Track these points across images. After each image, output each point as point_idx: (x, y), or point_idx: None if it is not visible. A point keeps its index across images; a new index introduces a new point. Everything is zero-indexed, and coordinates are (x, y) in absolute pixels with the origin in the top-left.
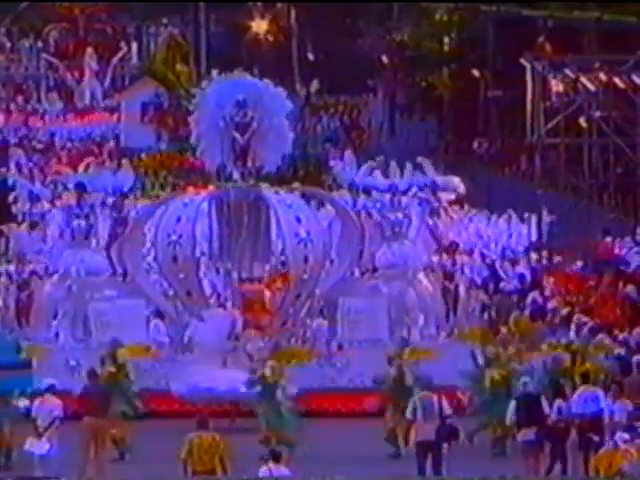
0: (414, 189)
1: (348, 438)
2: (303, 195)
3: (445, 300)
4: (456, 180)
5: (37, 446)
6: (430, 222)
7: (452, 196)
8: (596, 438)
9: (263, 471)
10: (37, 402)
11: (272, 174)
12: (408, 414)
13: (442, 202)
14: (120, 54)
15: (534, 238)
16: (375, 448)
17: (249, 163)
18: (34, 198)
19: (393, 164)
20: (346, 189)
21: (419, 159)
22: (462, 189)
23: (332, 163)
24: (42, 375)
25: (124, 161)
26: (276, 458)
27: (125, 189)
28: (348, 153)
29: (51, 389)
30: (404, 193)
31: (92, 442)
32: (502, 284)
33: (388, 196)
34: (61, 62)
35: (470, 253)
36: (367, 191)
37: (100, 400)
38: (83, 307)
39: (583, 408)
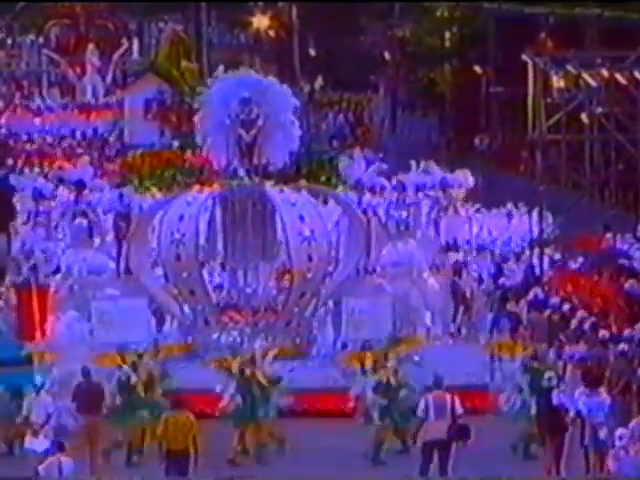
0: (423, 187)
1: (351, 437)
2: (309, 192)
3: (453, 299)
4: (465, 173)
5: (37, 444)
6: (438, 220)
7: (462, 192)
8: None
9: (50, 461)
10: (30, 400)
11: (276, 172)
12: (419, 413)
13: (452, 199)
14: (121, 50)
15: (535, 234)
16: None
17: (255, 161)
18: (38, 196)
19: (399, 162)
20: (353, 187)
21: (424, 163)
22: (471, 182)
23: (341, 159)
24: (43, 373)
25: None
26: (61, 447)
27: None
28: (357, 151)
29: (43, 386)
30: (412, 191)
31: (87, 440)
32: (502, 280)
33: (394, 194)
34: (62, 58)
35: (476, 250)
36: (373, 189)
37: (93, 398)
38: (85, 306)
39: (585, 405)
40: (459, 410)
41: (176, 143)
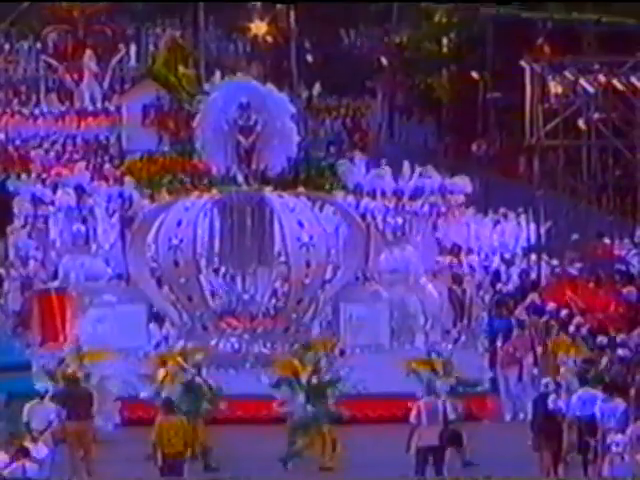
0: (422, 193)
1: (349, 444)
2: (308, 198)
3: (452, 305)
4: (464, 180)
5: (35, 450)
6: (437, 226)
7: (461, 198)
8: (592, 442)
9: (14, 467)
10: (31, 406)
11: (275, 178)
12: (412, 419)
13: (450, 205)
14: (118, 56)
15: (533, 240)
16: (376, 453)
17: (253, 166)
18: (37, 201)
19: (397, 167)
20: (351, 192)
21: (423, 168)
22: (469, 189)
23: (340, 163)
24: (40, 380)
25: (126, 179)
26: (26, 453)
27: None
28: (357, 155)
29: (46, 394)
30: (410, 197)
31: (78, 446)
32: (500, 285)
33: (392, 200)
34: (60, 64)
35: (474, 256)
36: (372, 194)
37: (83, 403)
38: (82, 313)
39: (581, 410)
40: (451, 415)
41: (166, 148)
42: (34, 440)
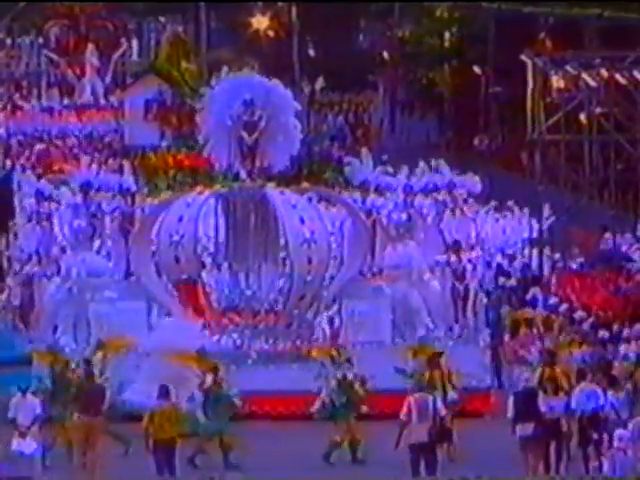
0: (428, 189)
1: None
2: (312, 195)
3: (454, 301)
4: (474, 178)
5: (24, 445)
6: (442, 222)
7: (465, 194)
8: (595, 435)
9: None
10: (16, 401)
11: (278, 173)
12: (402, 415)
13: (458, 201)
14: (120, 51)
15: (535, 234)
16: (375, 450)
17: (257, 163)
18: (40, 196)
19: (399, 162)
20: (358, 188)
21: (434, 161)
22: (478, 188)
23: (347, 160)
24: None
25: (125, 163)
26: None
27: (132, 189)
28: (364, 150)
29: (30, 388)
30: (417, 193)
31: (84, 440)
32: (502, 280)
33: (396, 196)
34: (62, 58)
35: (476, 251)
36: (380, 189)
37: (94, 398)
38: (84, 309)
39: (585, 404)
40: (442, 411)
41: (164, 143)
42: (22, 435)
